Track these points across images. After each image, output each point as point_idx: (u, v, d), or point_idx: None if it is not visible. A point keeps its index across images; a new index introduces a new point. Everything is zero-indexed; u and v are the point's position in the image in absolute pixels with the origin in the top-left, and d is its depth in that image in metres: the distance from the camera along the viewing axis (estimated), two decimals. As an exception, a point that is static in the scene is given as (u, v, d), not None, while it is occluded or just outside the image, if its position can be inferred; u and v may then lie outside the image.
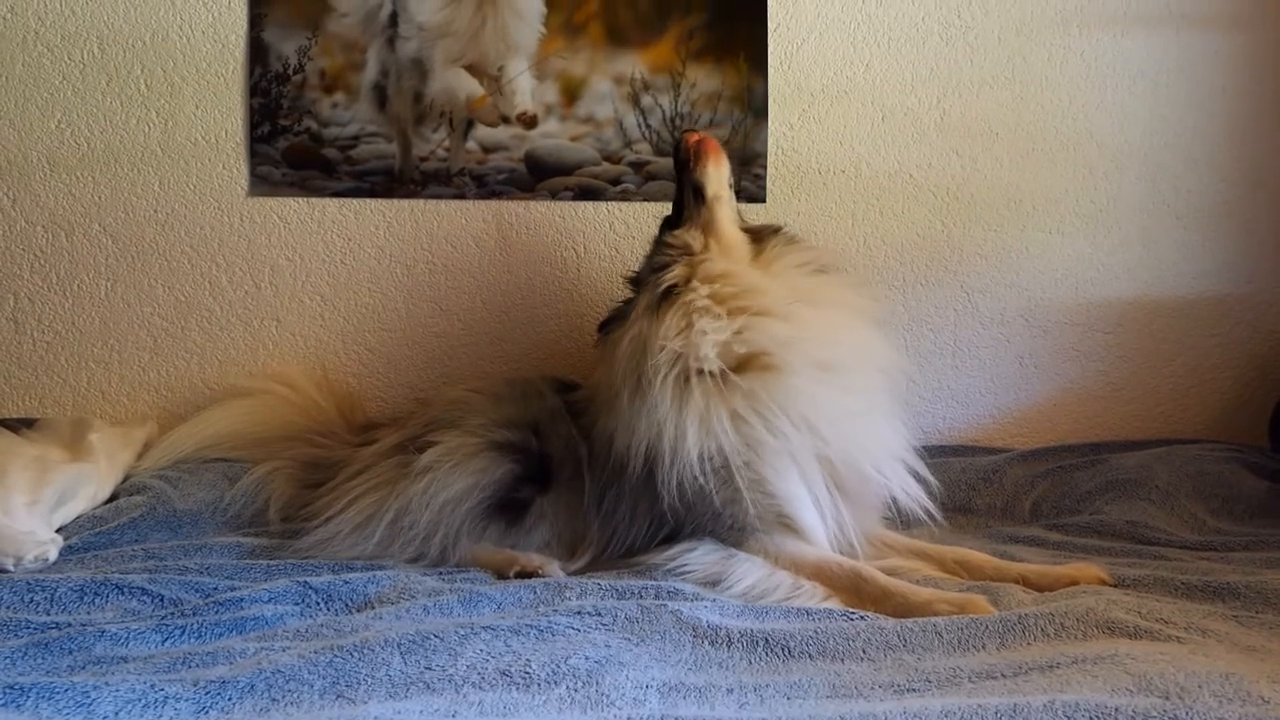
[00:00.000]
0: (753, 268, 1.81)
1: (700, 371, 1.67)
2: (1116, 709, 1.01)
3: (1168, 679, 1.09)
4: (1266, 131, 2.43)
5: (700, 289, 1.74)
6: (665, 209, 2.34)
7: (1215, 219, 2.43)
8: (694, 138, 1.90)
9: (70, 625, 1.34)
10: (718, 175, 1.86)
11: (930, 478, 1.77)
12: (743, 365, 1.69)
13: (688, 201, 1.88)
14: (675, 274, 1.77)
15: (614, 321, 1.88)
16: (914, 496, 1.74)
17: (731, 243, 1.84)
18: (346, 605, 1.48)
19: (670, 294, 1.75)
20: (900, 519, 1.79)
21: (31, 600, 1.43)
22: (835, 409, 1.69)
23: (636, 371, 1.71)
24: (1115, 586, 1.55)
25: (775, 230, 1.93)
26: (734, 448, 1.64)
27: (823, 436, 1.67)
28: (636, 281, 1.90)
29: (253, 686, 1.13)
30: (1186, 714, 1.00)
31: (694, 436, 1.63)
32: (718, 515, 1.66)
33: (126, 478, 2.04)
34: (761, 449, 1.64)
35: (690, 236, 1.83)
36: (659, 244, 1.89)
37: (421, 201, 2.36)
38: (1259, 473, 2.10)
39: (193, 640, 1.32)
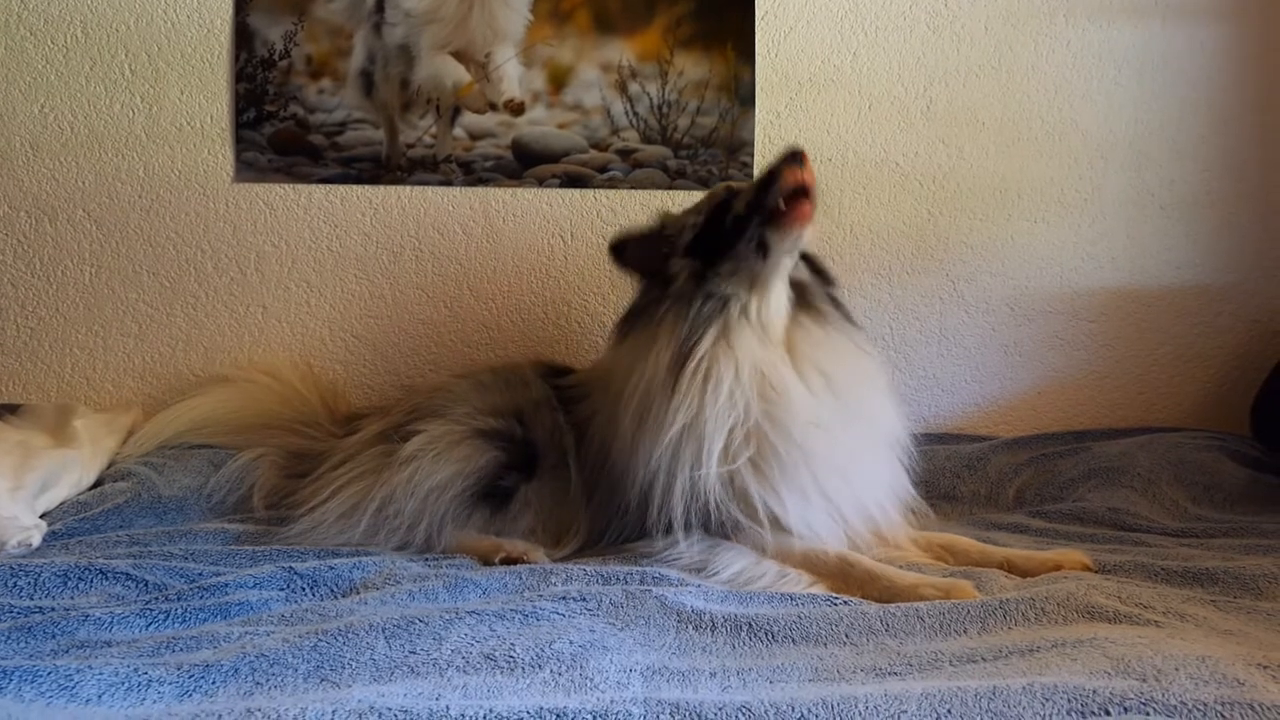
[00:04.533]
0: (785, 354, 1.69)
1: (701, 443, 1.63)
2: (1094, 691, 1.01)
3: (1145, 662, 1.10)
4: (1250, 123, 2.44)
5: (727, 368, 1.64)
6: (652, 197, 2.35)
7: (1199, 209, 2.45)
8: (794, 177, 1.64)
9: (54, 610, 1.34)
10: (797, 246, 1.69)
11: (928, 511, 1.80)
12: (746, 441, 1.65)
13: (746, 244, 1.68)
14: (708, 341, 1.65)
15: (635, 325, 1.78)
16: (898, 525, 1.75)
17: (775, 309, 1.70)
18: (332, 591, 1.48)
19: (695, 354, 1.65)
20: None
21: (15, 585, 1.43)
22: (840, 469, 1.66)
23: (640, 418, 1.66)
24: (1096, 572, 1.56)
25: (825, 280, 1.82)
26: (725, 498, 1.63)
27: (827, 488, 1.65)
28: (658, 279, 1.78)
29: (237, 670, 1.13)
30: (1163, 696, 1.01)
31: (683, 487, 1.62)
32: (710, 518, 1.66)
33: (111, 464, 2.03)
34: (763, 498, 1.63)
35: (736, 288, 1.69)
36: (704, 285, 1.70)
37: (408, 188, 2.36)
38: (1240, 460, 2.12)
39: (177, 625, 1.32)
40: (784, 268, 1.71)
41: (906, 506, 1.76)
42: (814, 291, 1.79)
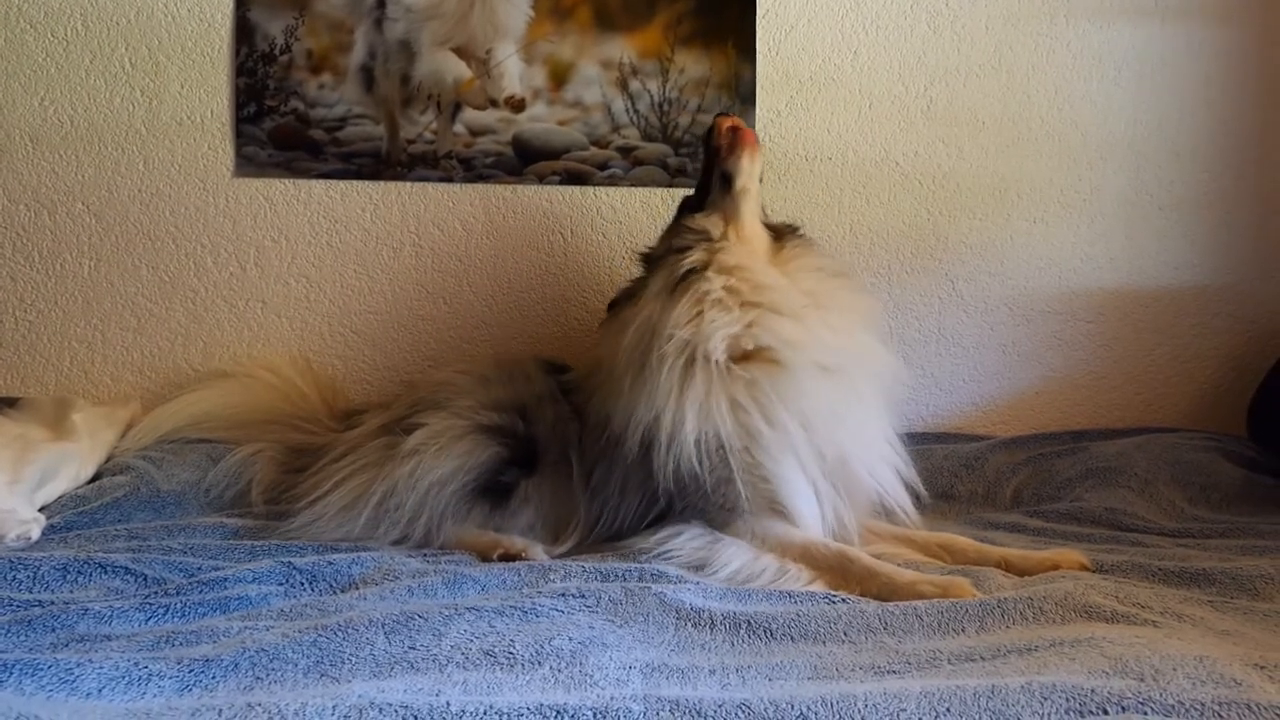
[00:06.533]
0: (769, 264, 1.80)
1: (705, 359, 1.68)
2: (1092, 690, 1.02)
3: (1143, 662, 1.10)
4: (1248, 123, 2.44)
5: (716, 279, 1.73)
6: (652, 194, 2.36)
7: (1197, 209, 2.45)
8: (727, 123, 1.86)
9: (54, 603, 1.34)
10: (750, 168, 1.83)
11: (919, 485, 1.79)
12: (747, 357, 1.70)
13: (713, 186, 1.85)
14: (694, 259, 1.76)
15: (624, 300, 1.87)
16: (900, 502, 1.76)
17: (752, 236, 1.82)
18: (331, 586, 1.48)
19: (686, 279, 1.74)
20: (885, 511, 1.81)
21: (14, 578, 1.43)
22: (833, 409, 1.70)
23: (643, 354, 1.71)
24: (1094, 572, 1.56)
25: (794, 230, 1.92)
26: (731, 433, 1.65)
27: (819, 433, 1.68)
28: (649, 260, 1.89)
29: (236, 665, 1.13)
30: (1160, 695, 1.01)
31: (693, 421, 1.64)
32: (709, 495, 1.67)
33: (110, 458, 2.03)
34: (759, 436, 1.66)
35: (711, 223, 1.82)
36: (679, 226, 1.87)
37: (408, 184, 2.36)
38: (1236, 461, 2.12)
39: (176, 619, 1.32)
40: (751, 195, 1.83)
41: (899, 472, 1.77)
42: (787, 234, 1.91)
